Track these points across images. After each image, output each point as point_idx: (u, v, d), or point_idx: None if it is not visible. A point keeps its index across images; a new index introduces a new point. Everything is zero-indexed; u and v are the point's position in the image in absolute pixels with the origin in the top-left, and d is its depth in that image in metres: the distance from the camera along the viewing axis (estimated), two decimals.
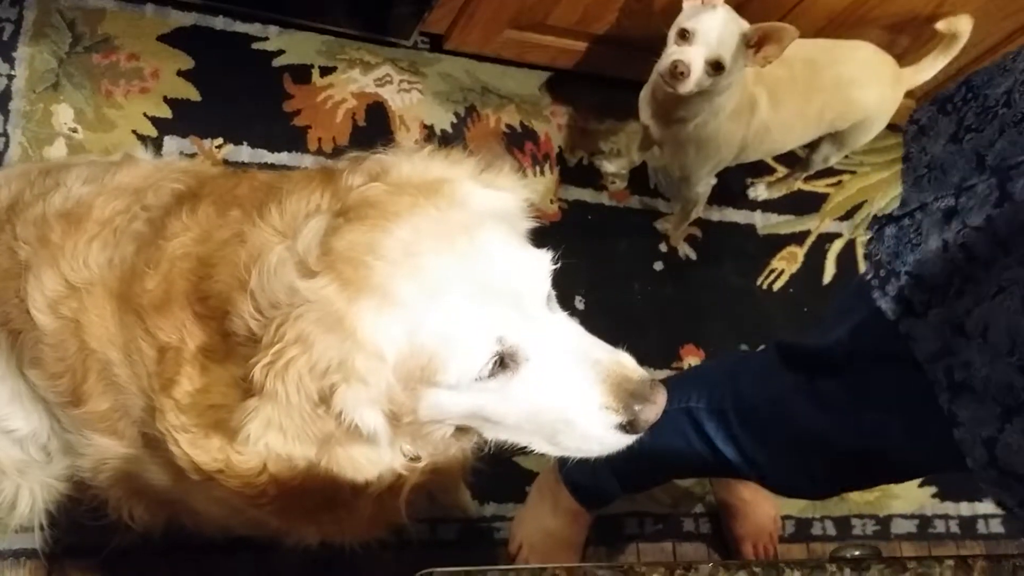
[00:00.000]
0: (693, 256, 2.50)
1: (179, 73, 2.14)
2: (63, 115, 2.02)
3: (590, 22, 2.23)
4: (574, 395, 1.05)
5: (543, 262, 1.05)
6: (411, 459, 1.21)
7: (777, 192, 2.65)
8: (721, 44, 1.84)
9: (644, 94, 2.10)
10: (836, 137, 2.30)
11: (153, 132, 2.08)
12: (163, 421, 1.14)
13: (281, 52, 2.25)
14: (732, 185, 2.59)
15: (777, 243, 2.63)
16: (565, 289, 2.27)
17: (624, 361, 1.07)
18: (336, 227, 1.01)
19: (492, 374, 1.01)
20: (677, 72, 1.85)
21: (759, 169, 2.64)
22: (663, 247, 2.48)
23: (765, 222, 2.63)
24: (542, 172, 2.40)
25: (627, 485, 1.90)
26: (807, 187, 2.70)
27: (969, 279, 1.09)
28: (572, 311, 2.26)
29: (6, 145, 1.96)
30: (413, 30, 2.24)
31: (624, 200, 2.47)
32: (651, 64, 1.99)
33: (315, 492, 1.17)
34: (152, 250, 1.17)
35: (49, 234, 1.27)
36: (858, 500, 2.36)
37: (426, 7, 2.15)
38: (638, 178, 2.50)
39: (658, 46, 1.93)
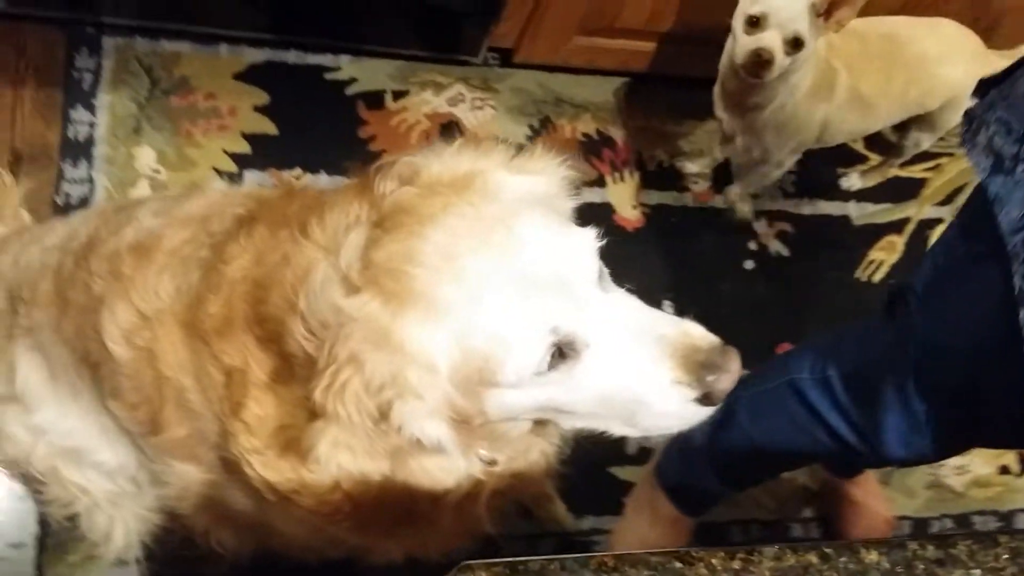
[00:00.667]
0: (785, 252, 2.42)
1: (255, 109, 2.18)
2: (145, 157, 2.07)
3: (658, 20, 2.19)
4: (642, 375, 0.99)
5: (586, 241, 1.00)
6: (488, 463, 1.18)
7: (872, 181, 2.55)
8: (794, 20, 1.77)
9: (717, 89, 2.04)
10: (925, 119, 2.20)
11: (233, 168, 2.12)
12: (235, 444, 1.14)
13: (353, 80, 2.27)
14: (822, 176, 2.51)
15: (874, 233, 2.52)
16: (652, 294, 2.24)
17: (691, 330, 1.01)
18: (375, 238, 0.99)
19: (552, 366, 0.97)
20: (762, 61, 1.79)
21: (851, 158, 2.55)
22: (753, 245, 2.40)
23: (860, 212, 2.53)
24: (622, 178, 2.36)
25: (729, 480, 1.83)
26: (903, 173, 2.59)
27: None
28: None
29: (92, 190, 2.02)
30: (481, 47, 2.24)
31: (709, 200, 2.41)
32: None
33: (391, 506, 1.15)
34: (214, 275, 1.18)
35: (121, 267, 1.29)
36: (978, 496, 2.24)
37: (492, 21, 2.14)
38: (722, 176, 2.44)
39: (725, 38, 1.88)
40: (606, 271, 1.04)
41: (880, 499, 2.13)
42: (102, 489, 1.55)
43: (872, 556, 0.73)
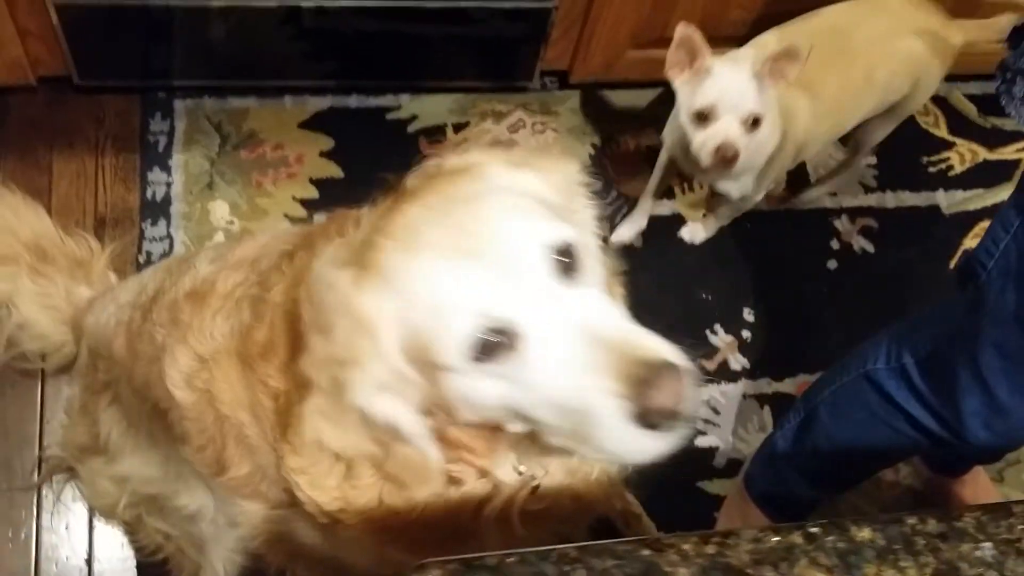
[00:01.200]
0: (870, 248, 2.33)
1: (321, 154, 2.24)
2: (219, 211, 2.15)
3: (713, 25, 2.14)
4: (580, 380, 0.92)
5: (548, 231, 0.96)
6: (526, 476, 1.15)
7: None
8: (746, 99, 1.67)
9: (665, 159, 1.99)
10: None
11: (302, 213, 2.17)
12: (284, 467, 1.15)
13: (414, 118, 2.31)
14: (903, 166, 2.42)
15: (967, 221, 2.40)
16: (731, 302, 2.20)
17: (642, 341, 0.93)
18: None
19: (490, 355, 0.92)
20: (729, 158, 1.69)
21: (934, 145, 2.46)
22: (835, 244, 2.33)
23: (950, 201, 2.42)
24: (691, 188, 2.32)
25: (819, 485, 1.77)
26: (994, 156, 2.48)
27: None
28: (741, 324, 2.17)
29: (171, 246, 2.10)
30: (535, 70, 2.25)
31: (784, 203, 2.35)
32: None
33: (436, 523, 1.15)
34: (259, 305, 1.21)
35: (179, 315, 1.33)
36: None
37: (541, 44, 2.16)
38: (796, 177, 2.37)
39: None
40: (592, 270, 0.99)
41: (993, 497, 2.02)
42: (185, 534, 1.60)
43: (864, 533, 0.69)
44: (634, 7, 2.07)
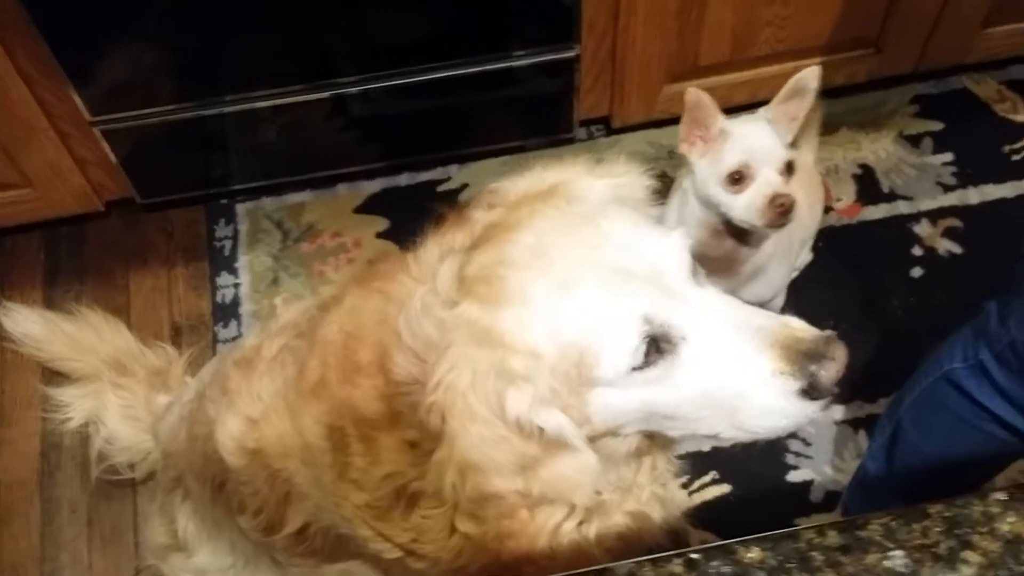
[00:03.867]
0: (957, 250, 2.19)
1: (378, 235, 2.28)
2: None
3: (745, 47, 2.10)
4: (742, 367, 0.94)
5: (677, 239, 0.98)
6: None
7: None
8: (775, 148, 1.59)
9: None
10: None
11: None
12: (347, 507, 1.14)
13: (465, 186, 2.33)
14: (983, 159, 2.28)
15: None
16: (813, 324, 2.09)
17: (791, 323, 0.96)
18: (468, 259, 1.01)
19: (649, 362, 0.94)
20: (788, 206, 1.57)
21: (1014, 131, 2.31)
22: (917, 250, 2.20)
23: None
24: None
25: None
26: None
27: None
28: None
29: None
30: (573, 122, 2.24)
31: (856, 214, 2.24)
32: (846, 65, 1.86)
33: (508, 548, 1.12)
34: (308, 347, 1.20)
35: (228, 384, 1.35)
36: None
37: (572, 95, 2.15)
38: (865, 187, 2.27)
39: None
40: (702, 271, 1.01)
41: None
42: None
43: (753, 554, 0.63)
44: (659, 43, 2.04)
